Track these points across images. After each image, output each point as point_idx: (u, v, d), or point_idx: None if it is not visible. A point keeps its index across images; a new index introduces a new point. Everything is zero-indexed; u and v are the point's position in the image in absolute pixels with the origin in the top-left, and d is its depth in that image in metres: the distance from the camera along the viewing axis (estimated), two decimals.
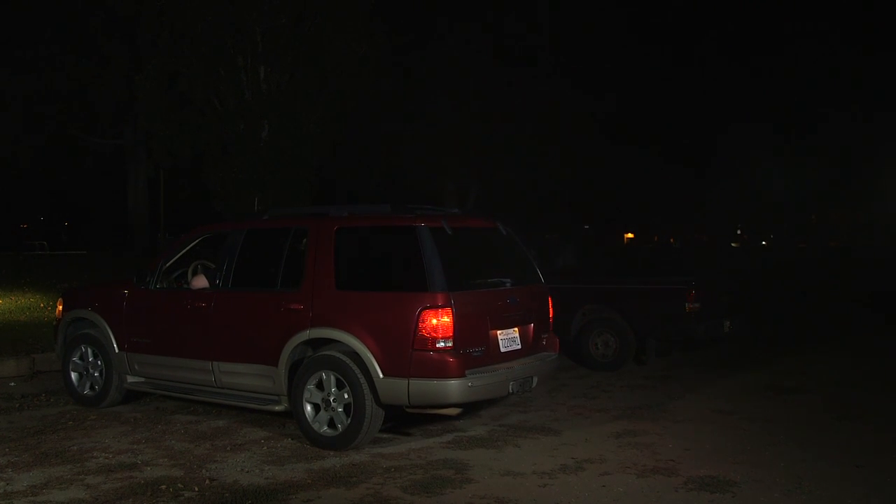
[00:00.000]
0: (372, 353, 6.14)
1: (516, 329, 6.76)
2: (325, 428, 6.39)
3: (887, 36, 35.02)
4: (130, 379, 7.74)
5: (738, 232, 56.65)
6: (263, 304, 6.92)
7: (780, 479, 5.52)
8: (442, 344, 6.01)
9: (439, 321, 6.00)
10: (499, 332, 6.56)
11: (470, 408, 7.20)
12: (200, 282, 7.64)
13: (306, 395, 6.46)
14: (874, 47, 33.88)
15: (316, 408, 6.46)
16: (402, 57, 21.16)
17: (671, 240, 56.93)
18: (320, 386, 6.44)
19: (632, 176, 31.80)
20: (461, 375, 6.03)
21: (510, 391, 6.48)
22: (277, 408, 6.76)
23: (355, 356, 6.26)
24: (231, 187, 16.31)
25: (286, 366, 6.63)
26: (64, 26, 23.71)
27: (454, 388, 6.02)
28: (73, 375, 8.01)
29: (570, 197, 28.16)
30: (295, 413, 6.54)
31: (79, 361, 7.99)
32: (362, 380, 6.21)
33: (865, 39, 34.59)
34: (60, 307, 8.33)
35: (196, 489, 5.36)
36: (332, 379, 6.37)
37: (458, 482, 5.48)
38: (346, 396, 6.31)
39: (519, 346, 6.76)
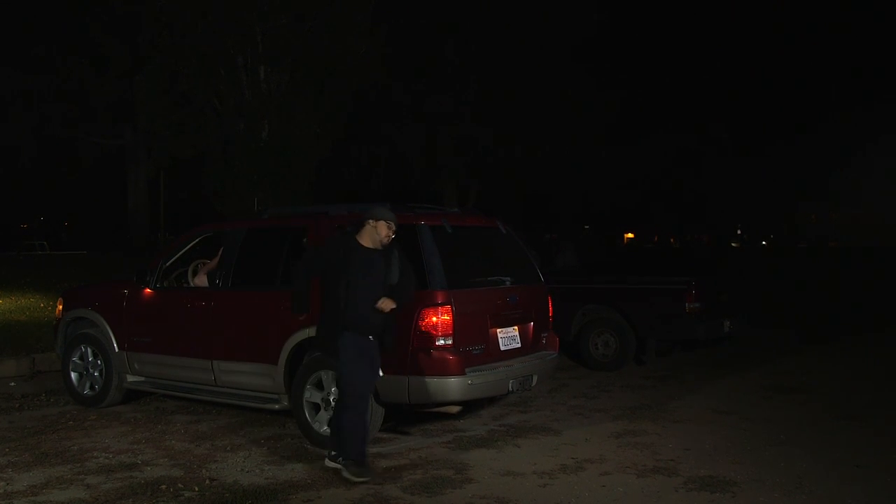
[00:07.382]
0: None
1: (516, 327, 6.76)
2: (325, 427, 6.38)
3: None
4: (130, 378, 7.74)
5: (738, 232, 56.54)
6: (263, 303, 6.92)
7: (780, 479, 5.52)
8: (442, 342, 6.01)
9: (439, 319, 6.00)
10: (498, 330, 6.56)
11: (470, 407, 7.20)
12: (201, 281, 7.65)
13: (306, 394, 6.45)
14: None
15: (316, 407, 6.45)
16: (402, 56, 21.14)
17: (671, 239, 56.81)
18: (320, 385, 6.44)
19: (633, 175, 31.78)
20: (461, 373, 6.03)
21: (510, 389, 6.48)
22: (277, 407, 6.76)
23: None
24: (231, 187, 16.31)
25: (286, 365, 6.63)
26: (64, 26, 23.70)
27: (454, 385, 6.02)
28: (73, 375, 8.00)
29: (572, 196, 28.13)
30: (295, 412, 6.54)
31: (79, 361, 7.98)
32: None
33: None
34: (60, 307, 8.33)
35: (196, 489, 5.35)
36: (332, 378, 6.35)
37: (458, 482, 5.47)
38: None
39: (519, 345, 6.76)
